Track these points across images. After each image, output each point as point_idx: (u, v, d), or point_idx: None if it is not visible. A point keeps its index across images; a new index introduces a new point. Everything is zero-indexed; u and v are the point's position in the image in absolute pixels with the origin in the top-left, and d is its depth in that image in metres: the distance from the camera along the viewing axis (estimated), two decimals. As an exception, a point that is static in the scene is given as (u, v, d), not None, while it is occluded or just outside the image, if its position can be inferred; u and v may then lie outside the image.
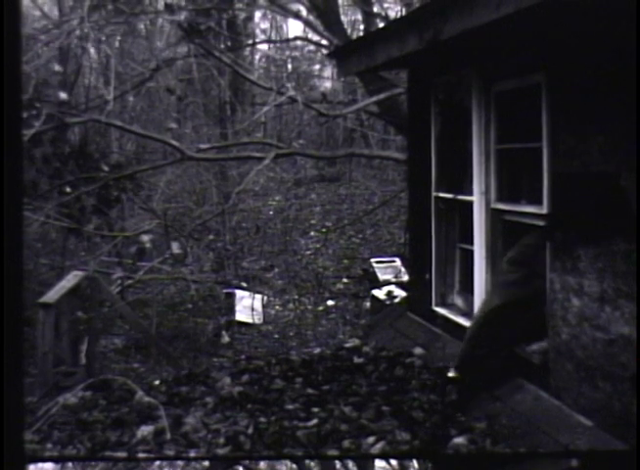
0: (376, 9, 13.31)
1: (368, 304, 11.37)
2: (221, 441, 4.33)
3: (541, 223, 4.41)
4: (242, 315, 11.59)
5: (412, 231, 6.83)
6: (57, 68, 12.80)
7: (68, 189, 9.87)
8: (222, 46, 12.32)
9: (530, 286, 4.56)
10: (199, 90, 14.39)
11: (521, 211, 4.75)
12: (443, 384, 4.72)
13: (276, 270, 13.96)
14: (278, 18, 19.83)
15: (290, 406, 4.80)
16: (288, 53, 16.26)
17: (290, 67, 16.56)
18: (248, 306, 11.64)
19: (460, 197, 5.48)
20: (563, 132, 4.12)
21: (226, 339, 10.89)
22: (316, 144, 18.44)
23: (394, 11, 15.23)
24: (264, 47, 19.95)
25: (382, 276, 11.80)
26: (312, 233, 15.98)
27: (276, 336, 11.26)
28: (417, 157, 6.33)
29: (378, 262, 12.31)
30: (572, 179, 4.04)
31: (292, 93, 10.48)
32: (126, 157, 13.94)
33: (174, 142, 10.82)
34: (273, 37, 20.86)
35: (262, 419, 4.57)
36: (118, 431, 4.52)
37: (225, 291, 12.13)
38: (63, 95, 10.42)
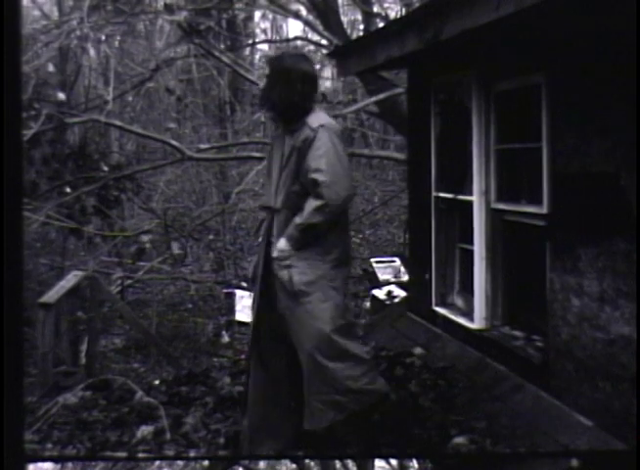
0: (376, 9, 13.31)
1: (368, 304, 11.36)
2: (221, 441, 4.34)
3: (541, 223, 4.41)
4: (242, 315, 11.57)
5: (412, 231, 6.82)
6: (51, 68, 12.79)
7: (67, 189, 9.87)
8: (222, 46, 12.34)
9: None
10: (198, 90, 14.38)
11: (521, 210, 4.74)
12: None
13: (276, 270, 13.92)
14: (278, 18, 19.81)
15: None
16: (288, 53, 16.24)
17: (290, 67, 16.51)
18: (248, 306, 11.62)
19: (460, 197, 5.47)
20: (563, 132, 4.12)
21: (226, 339, 10.88)
22: (316, 144, 18.38)
23: (394, 11, 15.21)
24: (264, 47, 19.91)
25: (382, 276, 11.78)
26: (312, 233, 15.93)
27: (276, 336, 11.23)
28: (417, 157, 6.32)
29: (378, 262, 12.29)
30: (572, 179, 4.04)
31: (291, 93, 10.44)
32: (126, 157, 13.93)
33: (174, 142, 10.83)
34: (273, 37, 20.85)
35: (262, 419, 4.56)
36: (118, 431, 4.52)
37: (225, 291, 12.12)
38: (61, 95, 10.42)
